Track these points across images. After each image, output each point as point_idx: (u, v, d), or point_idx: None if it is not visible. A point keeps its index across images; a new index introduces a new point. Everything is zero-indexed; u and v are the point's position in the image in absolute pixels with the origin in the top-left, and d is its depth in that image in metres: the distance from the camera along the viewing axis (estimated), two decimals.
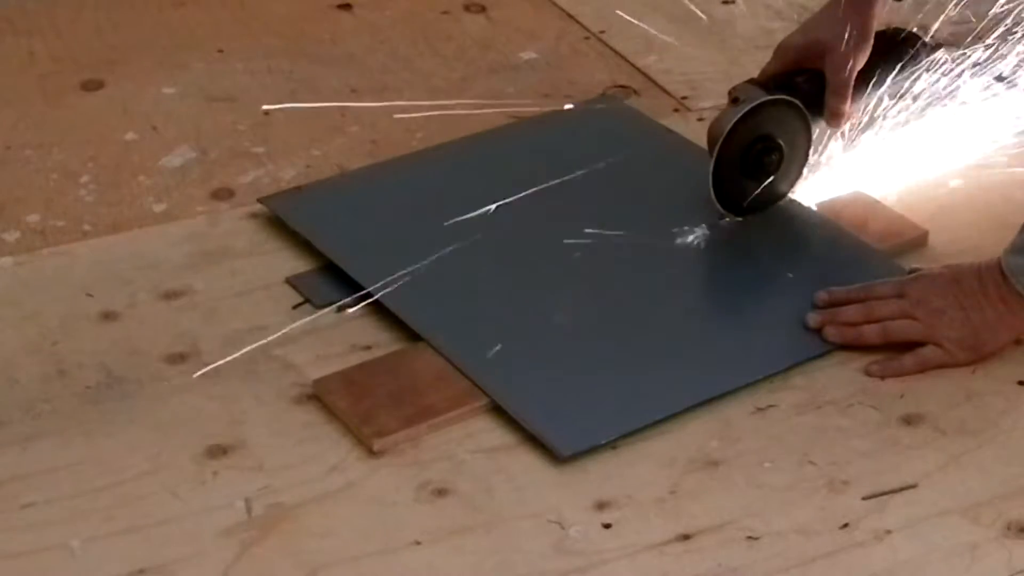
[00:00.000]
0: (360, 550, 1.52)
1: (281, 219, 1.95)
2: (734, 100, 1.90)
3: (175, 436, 1.64)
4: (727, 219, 1.90)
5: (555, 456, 1.62)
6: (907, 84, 1.96)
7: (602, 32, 2.40)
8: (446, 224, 1.90)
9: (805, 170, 1.95)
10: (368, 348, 1.76)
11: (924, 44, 1.97)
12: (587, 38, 2.39)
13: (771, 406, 1.69)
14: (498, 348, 1.73)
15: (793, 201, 1.95)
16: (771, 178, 1.91)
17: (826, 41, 1.89)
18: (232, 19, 2.43)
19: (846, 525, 1.55)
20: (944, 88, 2.00)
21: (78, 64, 2.30)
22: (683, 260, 1.89)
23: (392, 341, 1.77)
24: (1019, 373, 1.73)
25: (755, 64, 1.98)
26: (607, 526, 1.55)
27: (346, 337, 1.77)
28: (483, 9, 2.46)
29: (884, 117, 1.98)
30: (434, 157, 2.07)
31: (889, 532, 1.54)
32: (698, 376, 1.72)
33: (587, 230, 1.88)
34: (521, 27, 2.42)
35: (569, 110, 2.18)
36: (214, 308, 1.82)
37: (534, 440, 1.64)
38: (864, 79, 1.92)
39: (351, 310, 1.81)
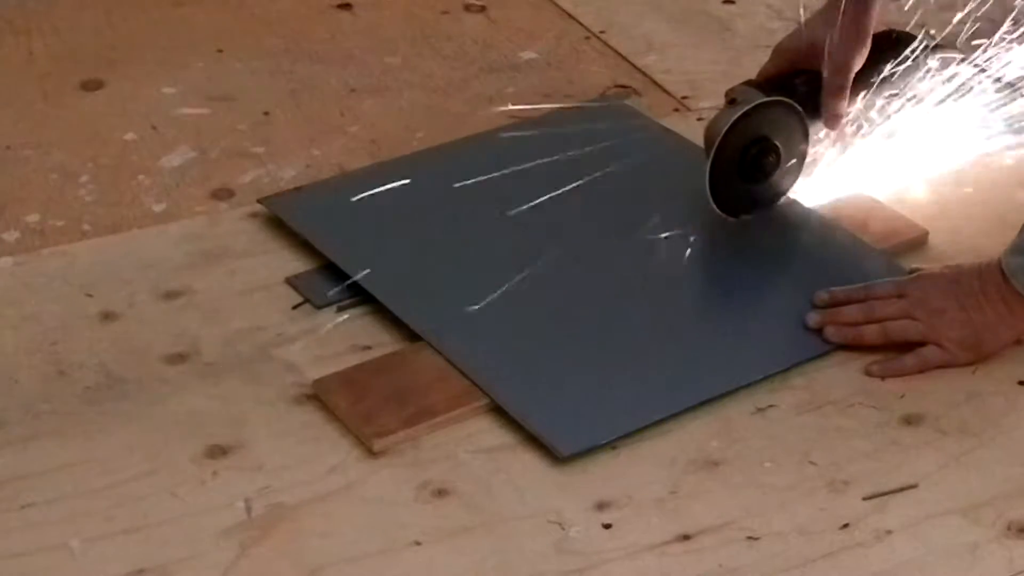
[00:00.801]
0: (360, 550, 1.52)
1: (281, 219, 1.95)
2: (731, 101, 1.89)
3: (175, 436, 1.64)
4: (725, 221, 1.90)
5: (555, 456, 1.62)
6: (906, 84, 1.96)
7: (602, 32, 2.40)
8: (446, 225, 1.90)
9: (802, 172, 1.94)
10: (368, 348, 1.76)
11: (922, 46, 1.97)
12: (587, 38, 2.39)
13: (771, 406, 1.69)
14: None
15: (793, 201, 1.95)
16: (768, 180, 1.91)
17: (824, 43, 1.89)
18: (232, 19, 2.43)
19: (846, 525, 1.55)
20: (944, 88, 2.00)
21: (78, 64, 2.30)
22: (683, 260, 1.89)
23: (392, 341, 1.77)
24: (1020, 373, 1.73)
25: (755, 64, 1.98)
26: (607, 526, 1.55)
27: (346, 337, 1.77)
28: (483, 9, 2.46)
29: (884, 117, 1.98)
30: (434, 157, 2.07)
31: (890, 532, 1.54)
32: (698, 376, 1.72)
33: (587, 230, 1.88)
34: (521, 27, 2.41)
35: (569, 110, 2.18)
36: (214, 308, 1.82)
37: (534, 440, 1.64)
38: (862, 81, 1.92)
39: (350, 310, 1.81)
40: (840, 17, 1.87)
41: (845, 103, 1.91)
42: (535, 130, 2.12)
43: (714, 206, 1.88)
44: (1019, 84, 2.03)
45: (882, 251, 1.90)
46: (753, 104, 1.87)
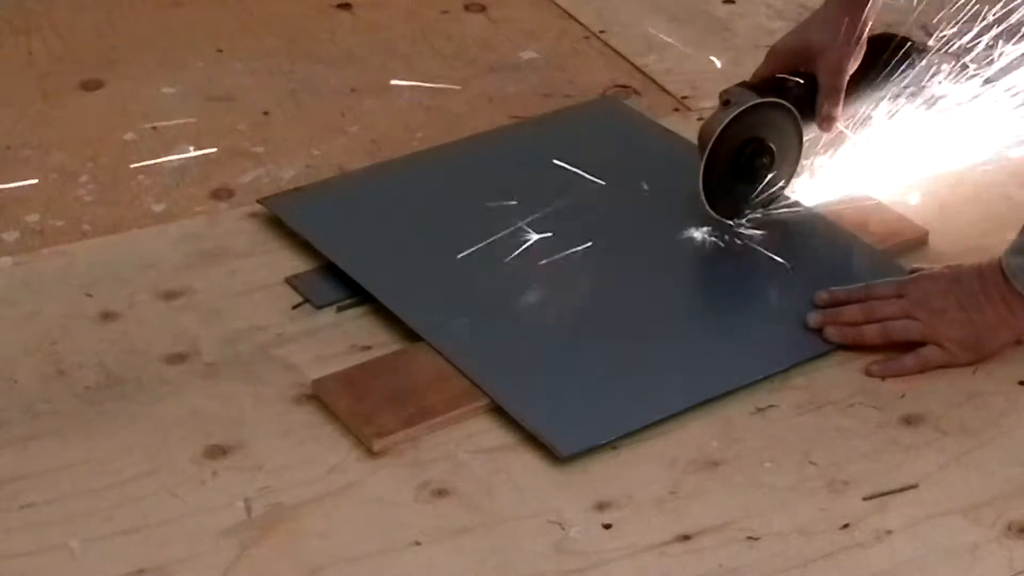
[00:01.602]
0: (360, 550, 1.52)
1: (281, 219, 1.94)
2: (725, 103, 1.89)
3: (175, 436, 1.64)
4: (707, 224, 1.90)
5: (555, 456, 1.62)
6: (902, 86, 1.96)
7: (602, 32, 2.39)
8: (446, 225, 1.90)
9: (796, 174, 1.94)
10: (368, 348, 1.76)
11: (917, 48, 1.97)
12: (587, 38, 2.39)
13: (771, 406, 1.69)
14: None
15: (793, 201, 1.95)
16: (762, 181, 1.90)
17: (819, 44, 1.89)
18: (232, 19, 2.42)
19: (847, 525, 1.55)
20: (944, 89, 2.00)
21: (77, 64, 2.30)
22: (683, 260, 1.89)
23: (392, 341, 1.77)
24: (1020, 373, 1.73)
25: (756, 64, 1.97)
26: (607, 526, 1.55)
27: (346, 337, 1.77)
28: (483, 9, 2.46)
29: (884, 118, 1.98)
30: (434, 157, 2.07)
31: (890, 532, 1.54)
32: (698, 376, 1.72)
33: (587, 230, 1.88)
34: (521, 27, 2.41)
35: (569, 110, 2.18)
36: (214, 308, 1.82)
37: (534, 440, 1.64)
38: (857, 83, 1.92)
39: (350, 310, 1.81)
40: (835, 19, 1.87)
41: (839, 105, 1.91)
42: (535, 130, 2.13)
43: (707, 208, 1.88)
44: (997, 80, 2.03)
45: (882, 251, 1.90)
46: (747, 105, 1.87)
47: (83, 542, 1.52)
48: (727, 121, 1.86)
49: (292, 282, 1.86)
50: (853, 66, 1.90)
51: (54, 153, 2.10)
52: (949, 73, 2.00)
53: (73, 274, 1.87)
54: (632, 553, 1.52)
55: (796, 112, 1.90)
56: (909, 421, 1.67)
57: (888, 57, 1.94)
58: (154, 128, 2.16)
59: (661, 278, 1.87)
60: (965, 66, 2.00)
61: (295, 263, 1.89)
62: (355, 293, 1.82)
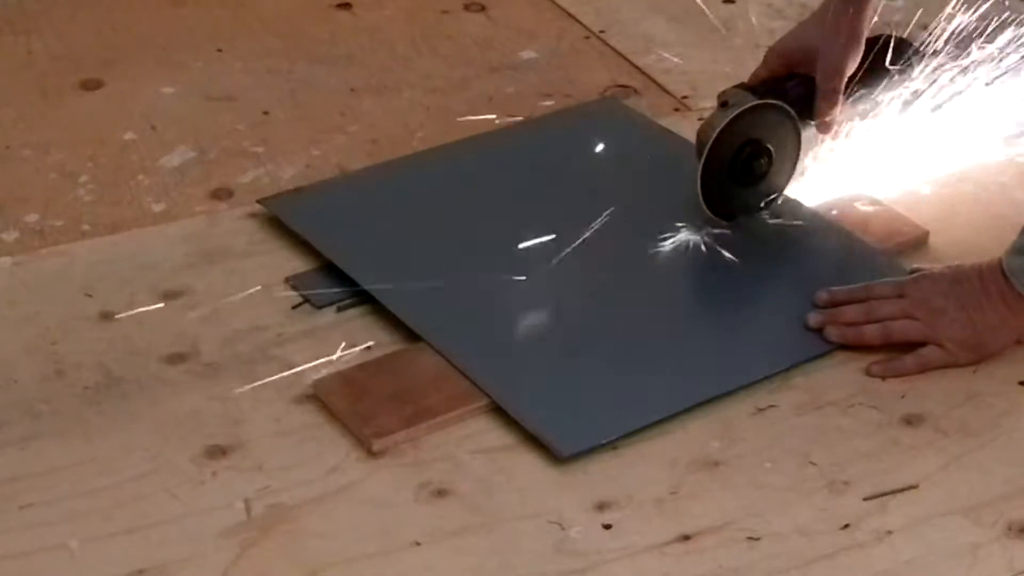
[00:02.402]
0: (360, 551, 1.52)
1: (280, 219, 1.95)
2: (723, 104, 1.89)
3: (174, 436, 1.64)
4: (708, 225, 1.90)
5: (555, 456, 1.62)
6: (900, 88, 1.96)
7: (602, 32, 2.39)
8: (445, 225, 1.90)
9: (794, 175, 1.94)
10: (368, 348, 1.76)
11: (915, 50, 1.97)
12: (587, 38, 2.39)
13: (772, 406, 1.69)
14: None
15: (794, 201, 1.95)
16: (760, 183, 1.90)
17: (817, 46, 1.89)
18: (231, 18, 2.42)
19: (847, 526, 1.55)
20: (943, 89, 2.00)
21: (77, 63, 2.30)
22: (683, 260, 1.89)
23: (392, 341, 1.77)
24: (1020, 373, 1.73)
25: (756, 64, 1.97)
26: (607, 527, 1.55)
27: (346, 337, 1.77)
28: (483, 9, 2.46)
29: (884, 118, 1.98)
30: (434, 157, 2.07)
31: (890, 533, 1.54)
32: (698, 376, 1.72)
33: (587, 230, 1.88)
34: (521, 27, 2.41)
35: (569, 110, 2.18)
36: (214, 308, 1.82)
37: (534, 440, 1.64)
38: (854, 85, 1.92)
39: (350, 310, 1.81)
40: (833, 21, 1.87)
41: (838, 107, 1.91)
42: (535, 130, 2.12)
43: (705, 209, 1.88)
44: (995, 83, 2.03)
45: (883, 251, 1.90)
46: (745, 107, 1.87)
47: (82, 542, 1.52)
48: (725, 123, 1.86)
49: (292, 282, 1.86)
50: (852, 68, 1.90)
51: (54, 153, 2.10)
52: (948, 74, 2.00)
53: (73, 274, 1.87)
54: (632, 553, 1.52)
55: (794, 114, 1.90)
56: (909, 421, 1.67)
57: (887, 59, 1.94)
58: (154, 128, 2.16)
59: (661, 278, 1.87)
60: (966, 69, 2.00)
61: (295, 263, 1.89)
62: (355, 293, 1.82)
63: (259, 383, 1.71)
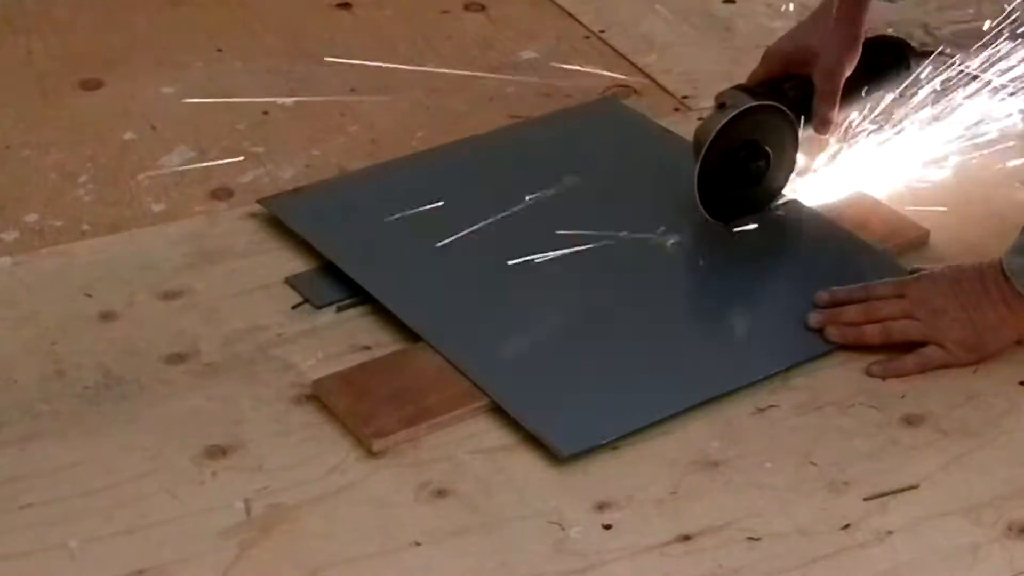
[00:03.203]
0: (360, 551, 1.52)
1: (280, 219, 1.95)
2: (721, 105, 1.89)
3: (174, 436, 1.64)
4: (708, 225, 1.90)
5: (555, 456, 1.62)
6: (897, 89, 1.96)
7: (602, 32, 2.39)
8: (445, 225, 1.90)
9: (792, 177, 1.94)
10: (368, 348, 1.76)
11: (913, 52, 1.97)
12: (587, 37, 2.39)
13: (772, 406, 1.69)
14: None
15: (794, 201, 1.95)
16: (757, 184, 1.90)
17: (815, 47, 1.89)
18: (231, 18, 2.42)
19: (847, 526, 1.55)
20: (943, 90, 2.00)
21: (77, 63, 2.30)
22: (684, 260, 1.89)
23: (392, 341, 1.77)
24: (1020, 373, 1.73)
25: (756, 63, 1.97)
26: (607, 527, 1.55)
27: (346, 337, 1.77)
28: (483, 8, 2.46)
29: (884, 118, 1.98)
30: (434, 157, 2.07)
31: (890, 533, 1.54)
32: (698, 376, 1.72)
33: (587, 230, 1.88)
34: (521, 27, 2.41)
35: (569, 110, 2.18)
36: (213, 308, 1.82)
37: (534, 440, 1.64)
38: (852, 86, 1.92)
39: (350, 310, 1.81)
40: (831, 22, 1.87)
41: (836, 108, 1.91)
42: (535, 130, 2.12)
43: (702, 210, 1.88)
44: (1003, 83, 2.03)
45: (883, 251, 1.89)
46: (742, 108, 1.86)
47: (82, 542, 1.52)
48: (722, 124, 1.86)
49: (292, 282, 1.85)
50: (849, 69, 1.90)
51: (54, 153, 2.10)
52: (949, 73, 2.00)
53: (72, 274, 1.87)
54: (632, 553, 1.52)
55: (792, 115, 1.90)
56: (910, 421, 1.67)
57: (885, 60, 1.94)
58: (154, 128, 2.16)
59: (661, 278, 1.87)
60: (966, 69, 2.00)
61: (295, 263, 1.89)
62: (355, 293, 1.82)
63: (259, 383, 1.71)
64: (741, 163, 1.89)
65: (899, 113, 1.99)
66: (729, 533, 1.54)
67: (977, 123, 2.03)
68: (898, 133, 2.00)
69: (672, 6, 2.44)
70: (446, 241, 1.89)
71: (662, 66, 2.30)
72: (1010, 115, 2.04)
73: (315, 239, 1.90)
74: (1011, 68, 2.03)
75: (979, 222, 1.94)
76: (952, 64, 2.01)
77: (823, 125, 1.92)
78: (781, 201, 1.94)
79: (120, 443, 1.63)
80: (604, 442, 1.63)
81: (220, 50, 2.34)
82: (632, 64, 2.31)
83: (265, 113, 2.19)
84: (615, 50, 2.35)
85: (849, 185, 1.98)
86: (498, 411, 1.67)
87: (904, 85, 1.97)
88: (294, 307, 1.82)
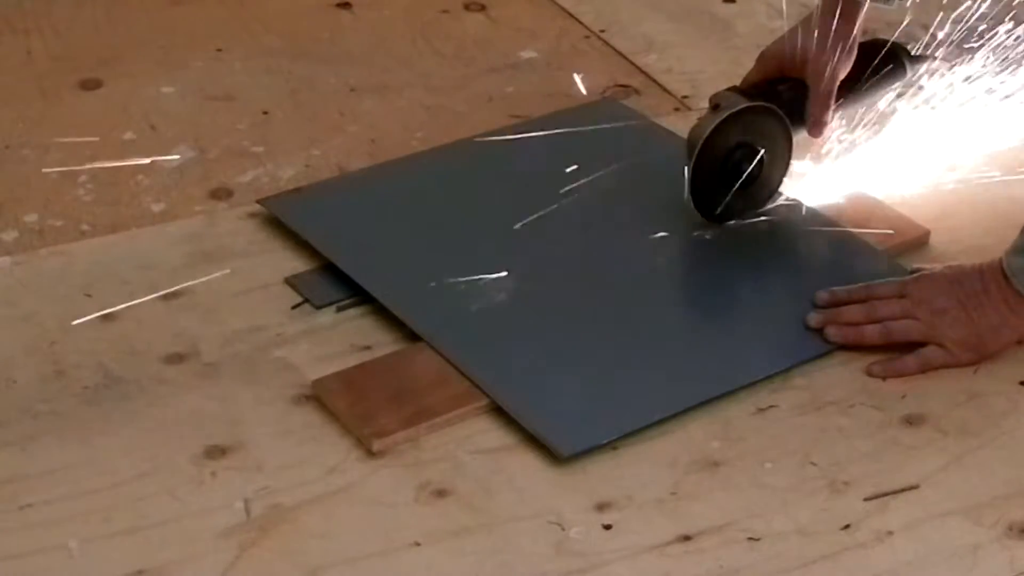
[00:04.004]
0: (359, 551, 1.52)
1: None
2: (714, 107, 1.89)
3: (174, 437, 1.64)
4: (706, 225, 1.89)
5: (555, 456, 1.62)
6: (894, 92, 1.96)
7: (602, 31, 2.39)
8: (445, 225, 1.90)
9: (785, 178, 1.94)
10: (368, 348, 1.76)
11: (908, 55, 1.97)
12: (587, 37, 2.39)
13: (772, 406, 1.69)
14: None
15: (794, 201, 1.95)
16: (750, 185, 1.90)
17: (809, 50, 1.89)
18: (231, 18, 2.42)
19: (847, 526, 1.55)
20: (942, 90, 2.00)
21: (76, 63, 2.30)
22: (684, 260, 1.89)
23: (392, 341, 1.77)
24: (1021, 373, 1.73)
25: None
26: (607, 527, 1.54)
27: (346, 337, 1.77)
28: (483, 8, 2.45)
29: (885, 118, 1.98)
30: (434, 157, 2.07)
31: (891, 533, 1.54)
32: (698, 376, 1.72)
33: (587, 230, 1.88)
34: (521, 26, 2.41)
35: (569, 110, 2.18)
36: (213, 308, 1.82)
37: (534, 440, 1.63)
38: (847, 89, 1.92)
39: (350, 310, 1.81)
40: (825, 24, 1.87)
41: (830, 111, 1.91)
42: (535, 130, 2.12)
43: (696, 211, 1.88)
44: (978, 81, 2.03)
45: (883, 251, 1.89)
46: (735, 110, 1.86)
47: (82, 542, 1.52)
48: (714, 125, 1.85)
49: (292, 282, 1.85)
50: (844, 71, 1.90)
51: (54, 153, 2.10)
52: (948, 75, 2.00)
53: (72, 274, 1.87)
54: (632, 554, 1.52)
55: (785, 117, 1.89)
56: (910, 421, 1.67)
57: (880, 63, 1.93)
58: (154, 128, 2.16)
59: (661, 278, 1.87)
60: (965, 71, 2.00)
61: (295, 263, 1.89)
62: (355, 293, 1.82)
63: (259, 383, 1.71)
64: (733, 164, 1.88)
65: (898, 114, 1.99)
66: (729, 533, 1.54)
67: (977, 124, 2.03)
68: (898, 133, 2.00)
69: (672, 6, 2.44)
70: (446, 241, 1.88)
71: (662, 66, 2.30)
72: (1009, 116, 2.04)
73: (315, 239, 1.90)
74: (1011, 69, 2.03)
75: (980, 222, 1.94)
76: (951, 65, 2.01)
77: (817, 127, 1.92)
78: (781, 201, 1.94)
79: (120, 443, 1.63)
80: (604, 442, 1.63)
81: (220, 50, 2.34)
82: (632, 64, 2.31)
83: (265, 113, 2.19)
84: (615, 50, 2.35)
85: (849, 185, 1.98)
86: (498, 411, 1.67)
87: (900, 87, 1.97)
88: (294, 307, 1.82)
